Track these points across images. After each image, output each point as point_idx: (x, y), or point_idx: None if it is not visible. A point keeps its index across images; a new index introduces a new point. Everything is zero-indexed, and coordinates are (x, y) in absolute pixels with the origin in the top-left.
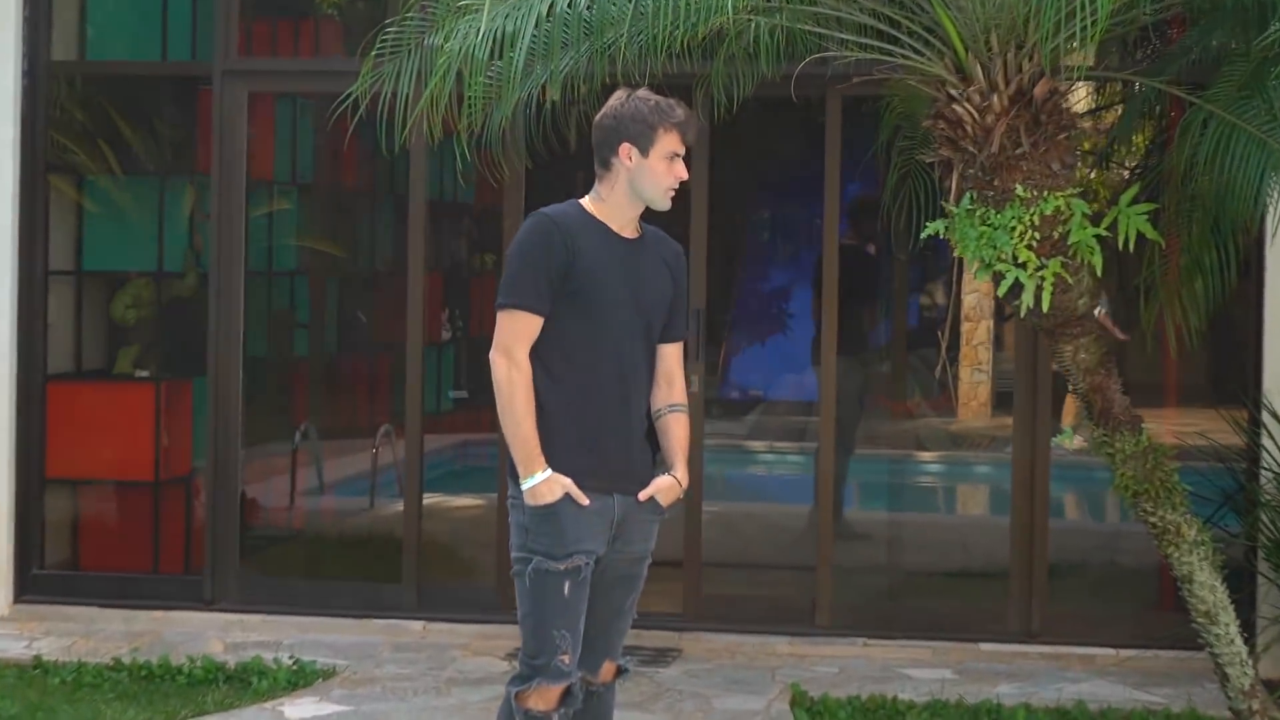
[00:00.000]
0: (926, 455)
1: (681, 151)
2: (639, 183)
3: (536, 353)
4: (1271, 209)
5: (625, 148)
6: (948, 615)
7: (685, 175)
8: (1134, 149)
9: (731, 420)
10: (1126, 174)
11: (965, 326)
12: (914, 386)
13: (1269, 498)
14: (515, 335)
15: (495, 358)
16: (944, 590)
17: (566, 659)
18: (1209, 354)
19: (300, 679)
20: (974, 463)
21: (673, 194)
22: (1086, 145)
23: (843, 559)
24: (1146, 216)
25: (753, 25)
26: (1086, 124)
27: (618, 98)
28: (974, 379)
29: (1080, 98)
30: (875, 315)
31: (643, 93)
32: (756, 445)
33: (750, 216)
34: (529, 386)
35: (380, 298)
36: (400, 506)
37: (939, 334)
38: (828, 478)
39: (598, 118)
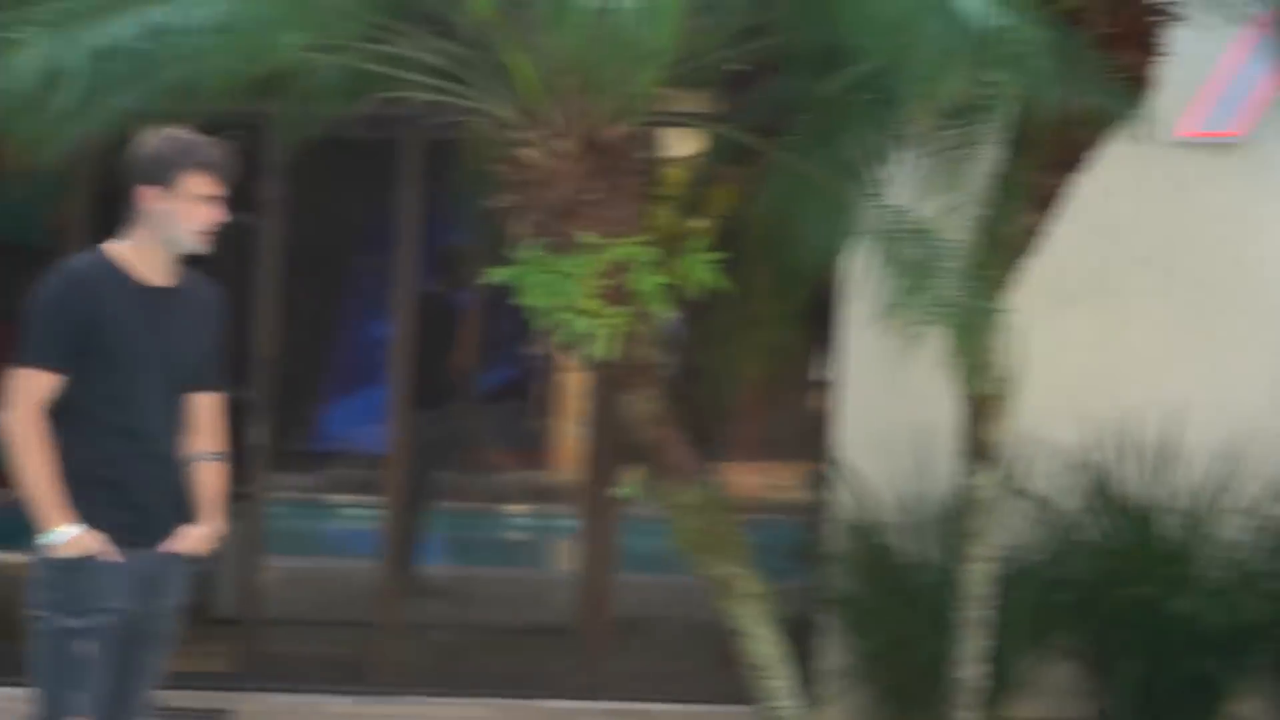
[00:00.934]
0: (511, 508)
1: (212, 193)
2: (164, 226)
3: (62, 409)
4: (847, 261)
5: (149, 190)
6: (511, 672)
7: (219, 218)
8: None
9: (304, 473)
10: (713, 221)
11: (562, 376)
12: (503, 438)
13: (837, 551)
14: (23, 391)
15: (2, 415)
16: (510, 647)
17: None
18: (778, 408)
19: None
20: (557, 515)
21: (207, 237)
22: (674, 191)
23: (411, 615)
24: (714, 265)
25: (317, 64)
26: (673, 171)
27: (144, 137)
28: (570, 430)
29: (676, 143)
30: (463, 364)
31: (175, 131)
32: (331, 499)
33: (329, 260)
34: (41, 441)
35: None
36: None
37: (533, 385)
38: (395, 532)
39: (125, 157)
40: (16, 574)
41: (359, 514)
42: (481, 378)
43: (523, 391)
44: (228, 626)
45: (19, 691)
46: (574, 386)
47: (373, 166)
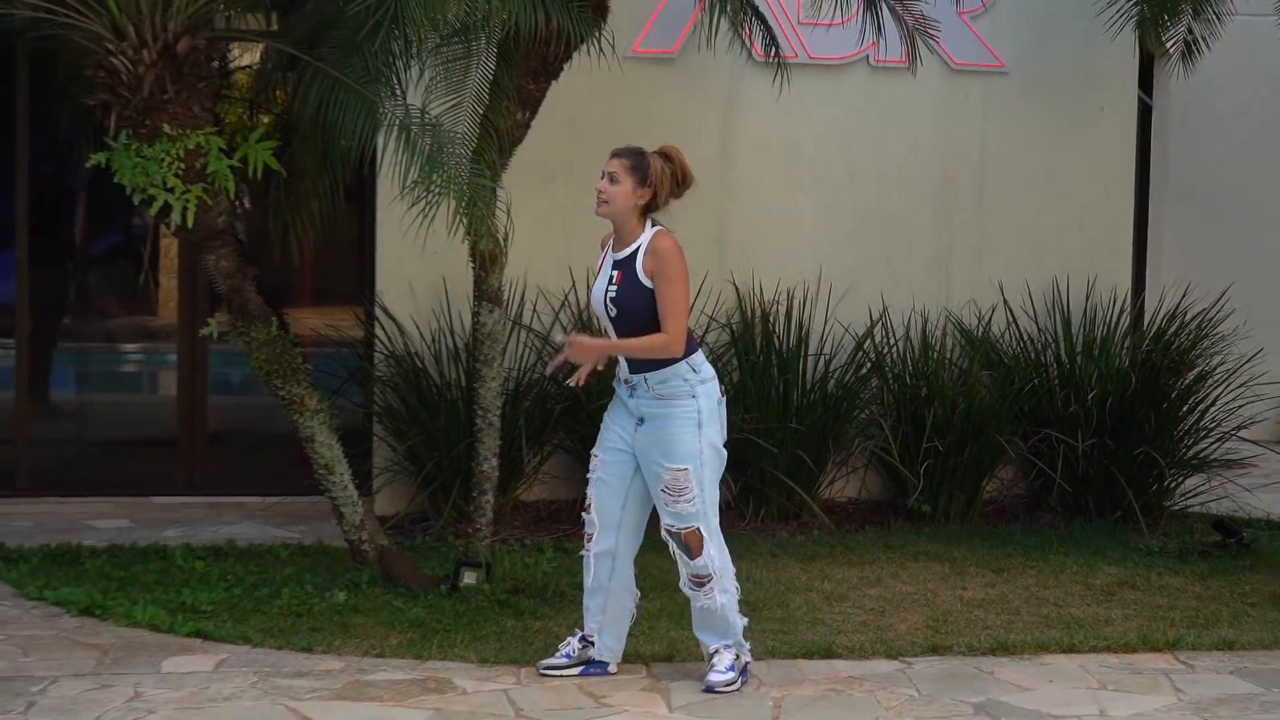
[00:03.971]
0: (128, 347)
1: None
2: None
3: None
4: (381, 144)
5: None
6: (127, 476)
7: None
8: (274, 96)
9: None
10: (269, 119)
11: (164, 241)
12: (121, 291)
13: (381, 374)
14: None
15: None
16: (126, 456)
17: None
18: (340, 261)
19: None
20: (163, 352)
21: None
22: (241, 92)
23: (44, 433)
24: (272, 151)
25: None
26: (245, 77)
27: None
28: (172, 284)
29: (246, 53)
30: (81, 232)
31: None
32: None
33: None
34: None
35: None
36: None
37: (142, 247)
38: (25, 365)
39: None
40: None
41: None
42: (96, 242)
43: (132, 253)
44: None
45: None
46: (172, 248)
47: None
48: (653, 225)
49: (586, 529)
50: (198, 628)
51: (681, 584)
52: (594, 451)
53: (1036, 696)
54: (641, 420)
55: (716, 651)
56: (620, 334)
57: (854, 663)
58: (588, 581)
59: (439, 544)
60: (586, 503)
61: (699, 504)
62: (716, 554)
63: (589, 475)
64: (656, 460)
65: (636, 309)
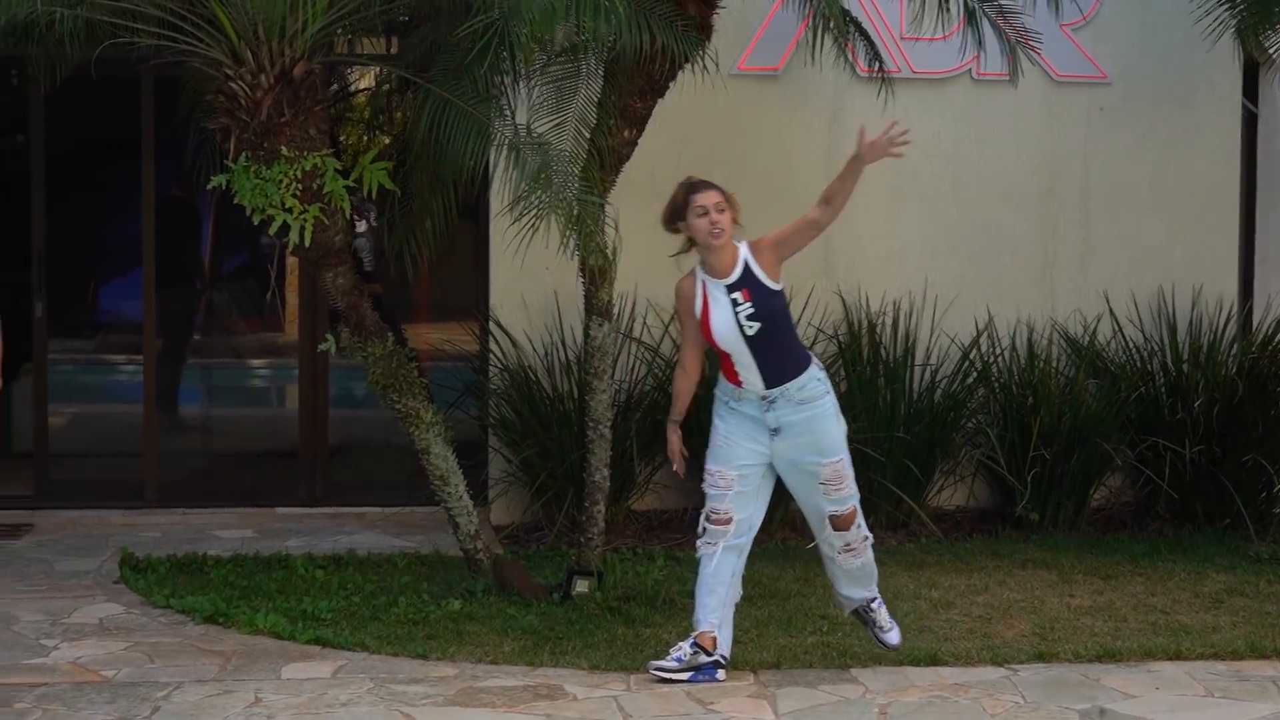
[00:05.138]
0: (254, 362)
1: None
2: None
3: None
4: (492, 163)
5: None
6: (251, 487)
7: None
8: (391, 119)
9: (84, 338)
10: (387, 140)
11: (292, 259)
12: (249, 309)
13: (495, 387)
14: None
15: None
16: (250, 467)
17: None
18: (453, 278)
19: None
20: (286, 367)
21: None
22: (359, 114)
23: (172, 447)
24: (386, 171)
25: (61, 17)
26: (358, 99)
27: None
28: (297, 301)
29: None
30: (207, 252)
31: None
32: (103, 358)
33: (90, 172)
34: None
35: None
36: None
37: (269, 266)
38: (152, 381)
39: None
40: None
41: (127, 370)
42: (222, 261)
43: (258, 271)
44: (24, 459)
45: None
46: (295, 267)
47: (119, 97)
48: (737, 241)
49: (708, 536)
50: (317, 635)
51: (832, 558)
52: (714, 468)
53: (1143, 703)
54: (777, 430)
55: (876, 601)
56: (764, 349)
57: (960, 669)
58: (708, 574)
59: (552, 553)
60: (716, 513)
61: (852, 484)
62: (861, 518)
63: (710, 489)
64: (811, 460)
65: (776, 310)
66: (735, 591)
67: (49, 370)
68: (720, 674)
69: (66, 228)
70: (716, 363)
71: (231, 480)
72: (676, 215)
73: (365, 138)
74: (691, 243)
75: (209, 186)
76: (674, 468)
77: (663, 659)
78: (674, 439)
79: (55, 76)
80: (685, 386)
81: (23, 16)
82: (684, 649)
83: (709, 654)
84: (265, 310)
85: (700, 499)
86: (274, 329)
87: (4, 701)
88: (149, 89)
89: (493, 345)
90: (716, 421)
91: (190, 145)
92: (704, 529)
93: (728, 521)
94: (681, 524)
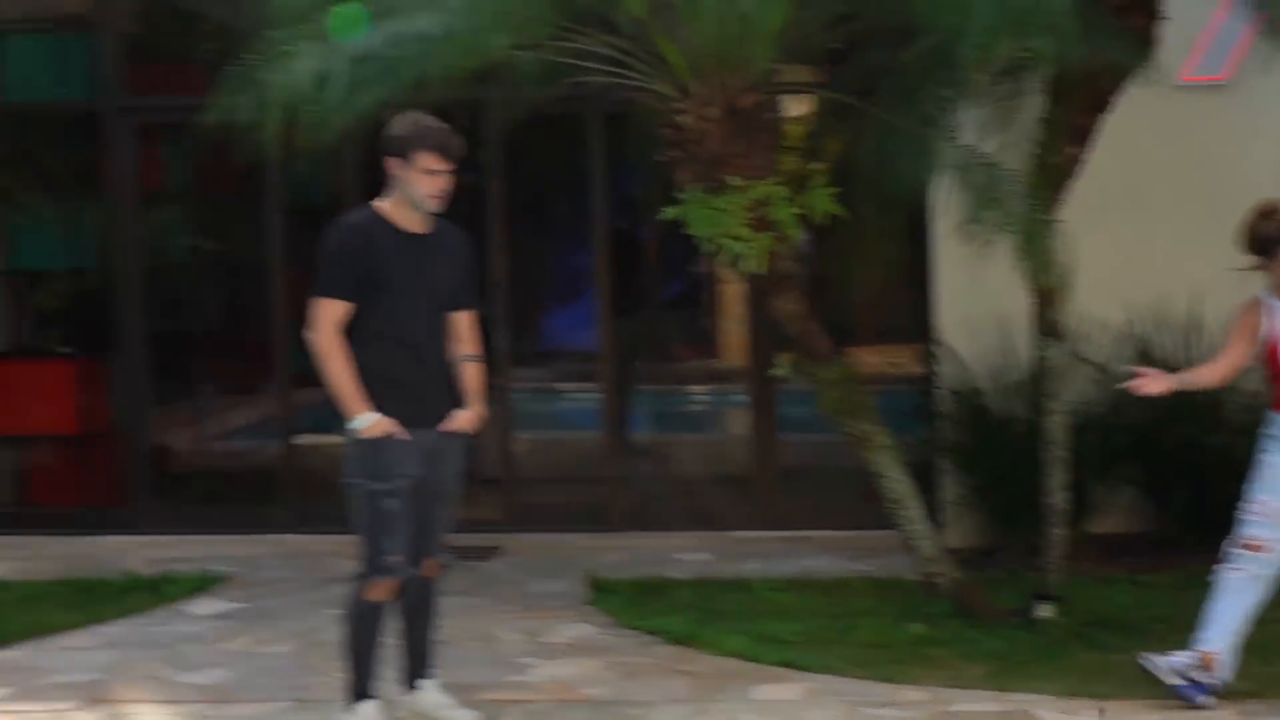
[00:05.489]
0: (697, 388)
1: (438, 167)
2: (405, 189)
3: (355, 328)
4: (934, 189)
5: (393, 161)
6: (708, 511)
7: (444, 186)
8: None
9: (540, 367)
10: (827, 165)
11: (724, 287)
12: (686, 336)
13: (945, 410)
14: (322, 317)
15: (311, 335)
16: (705, 493)
17: (396, 559)
18: (898, 301)
19: (204, 583)
20: (731, 392)
21: (437, 200)
22: (796, 141)
23: (629, 471)
24: (833, 197)
25: (520, 59)
26: (795, 127)
27: (397, 119)
28: (732, 328)
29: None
30: (650, 282)
31: (417, 116)
32: (556, 386)
33: (543, 207)
34: (339, 352)
35: (255, 283)
36: (281, 447)
37: (703, 294)
38: (612, 409)
39: (381, 136)
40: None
41: (582, 397)
42: (665, 290)
43: (695, 299)
44: (493, 485)
45: (333, 539)
46: (733, 294)
47: (568, 134)
48: None
49: (1239, 562)
50: (785, 658)
51: None
52: (1264, 498)
53: None
54: None
55: None
56: None
57: None
58: (1229, 599)
59: (1008, 577)
60: (1254, 540)
61: None
62: None
63: (1254, 516)
64: None
65: None
66: (1248, 623)
67: (512, 398)
68: (1208, 699)
69: (521, 261)
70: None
71: (688, 504)
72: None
73: (803, 164)
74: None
75: (663, 218)
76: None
77: (1158, 655)
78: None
79: (510, 117)
80: (1206, 375)
81: (487, 61)
82: (1184, 657)
83: (1207, 673)
84: (704, 337)
85: (1164, 522)
86: (712, 355)
87: (493, 716)
88: (597, 125)
89: (940, 366)
90: (1269, 456)
91: (637, 178)
92: (1233, 554)
93: (1259, 549)
94: (1143, 547)
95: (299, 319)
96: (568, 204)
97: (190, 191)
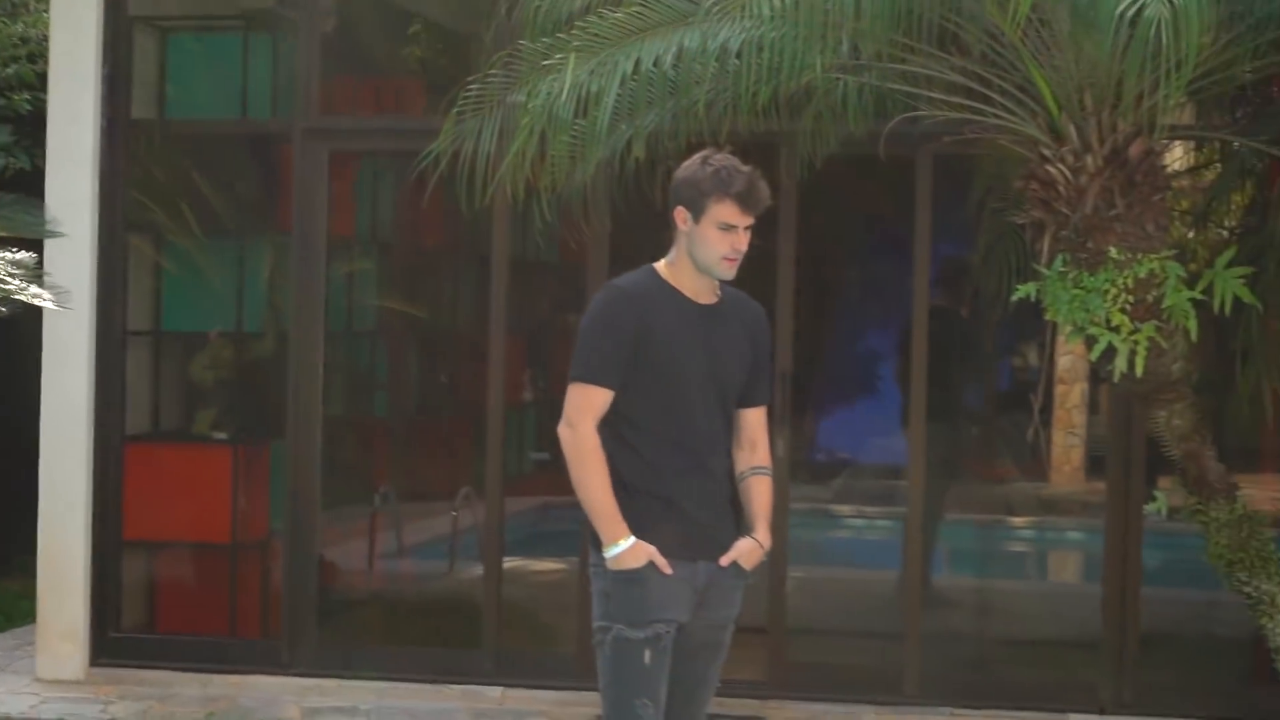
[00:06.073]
0: (1017, 521)
1: (738, 223)
2: (694, 249)
3: (613, 423)
4: None
5: (680, 211)
6: (1037, 685)
7: (741, 248)
8: (1232, 209)
9: (817, 484)
10: (1225, 234)
11: (1059, 389)
12: (1005, 451)
13: None
14: (581, 407)
15: (561, 429)
16: (1033, 659)
17: None
18: None
19: None
20: (1065, 529)
21: (731, 264)
22: (1184, 204)
23: (930, 626)
24: (1244, 280)
25: (841, 84)
26: (1183, 183)
27: (690, 160)
28: (1067, 443)
29: (1176, 156)
30: (965, 378)
31: (717, 157)
32: (843, 509)
33: (838, 277)
34: (598, 455)
35: (461, 358)
36: (479, 570)
37: (1032, 397)
38: (916, 544)
39: (672, 178)
40: (547, 579)
41: (874, 525)
42: (983, 391)
43: (1026, 404)
44: (756, 634)
45: (544, 694)
46: (1070, 397)
47: (884, 182)
48: None
49: None
50: None
51: None
52: None
53: None
54: None
55: None
56: None
57: None
58: None
59: None
60: None
61: None
62: None
63: None
64: None
65: None
66: None
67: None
68: None
69: (811, 345)
70: None
71: (1010, 675)
72: None
73: (1192, 233)
74: None
75: (1014, 298)
76: None
77: None
78: None
79: (814, 160)
80: None
81: (799, 84)
82: None
83: None
84: (1043, 454)
85: None
86: (1035, 476)
87: None
88: (925, 174)
89: None
90: None
91: (970, 241)
92: None
93: None
94: None
95: (517, 404)
96: (876, 272)
97: (391, 239)
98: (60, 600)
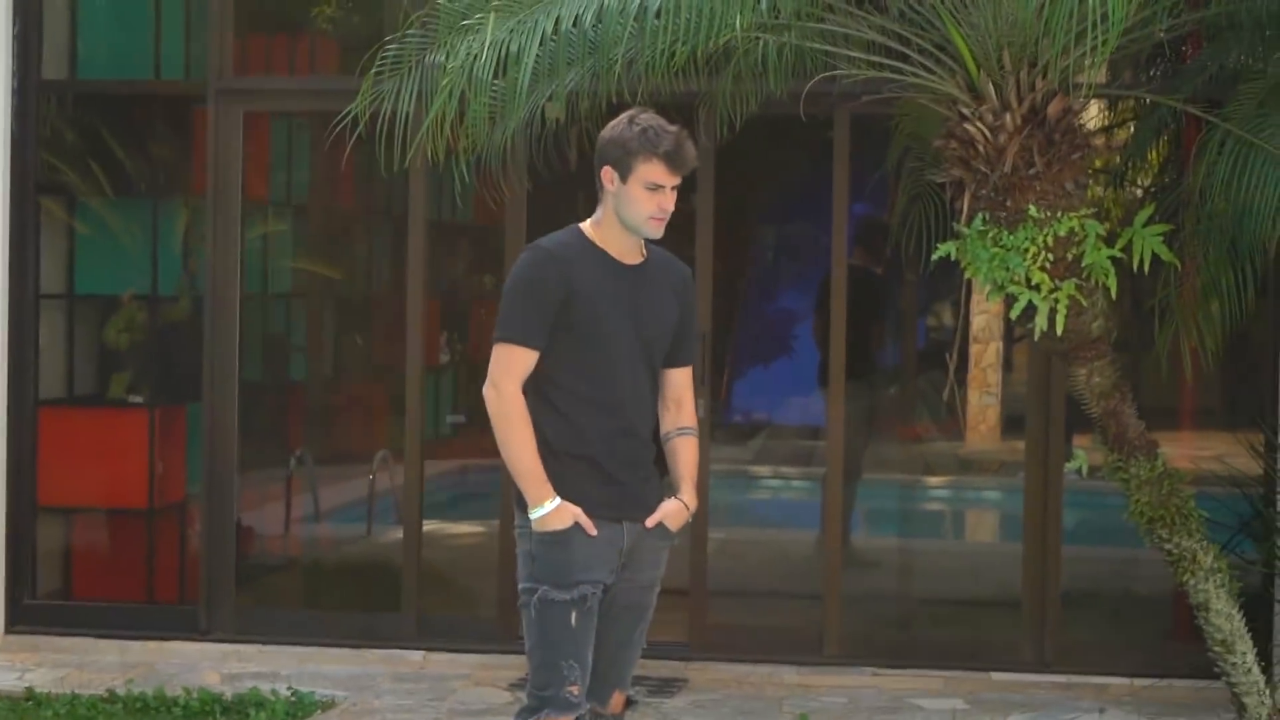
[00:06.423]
0: (934, 480)
1: (666, 183)
2: (621, 209)
3: (538, 384)
4: None
5: (607, 171)
6: (958, 644)
7: (669, 207)
8: (1147, 167)
9: (736, 445)
10: (1140, 193)
11: (974, 349)
12: (921, 410)
13: None
14: (507, 369)
15: (487, 390)
16: (954, 619)
17: (575, 690)
18: (1224, 377)
19: (299, 711)
20: (983, 488)
21: (658, 223)
22: (1099, 163)
23: (851, 587)
24: (1161, 238)
25: (760, 43)
26: (1098, 142)
27: (617, 120)
28: (983, 402)
29: (1092, 115)
30: (882, 338)
31: (644, 117)
32: (761, 470)
33: (754, 237)
34: (524, 417)
35: (378, 320)
36: (398, 534)
37: (947, 356)
38: (836, 504)
39: (599, 137)
40: (467, 542)
41: (792, 486)
42: (897, 351)
43: (941, 364)
44: (677, 596)
45: (466, 658)
46: (984, 356)
47: (801, 142)
48: None
49: None
50: None
51: None
52: None
53: None
54: None
55: None
56: None
57: None
58: None
59: None
60: None
61: None
62: None
63: None
64: None
65: None
66: None
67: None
68: None
69: (730, 305)
70: None
71: (931, 634)
72: None
73: (1110, 192)
74: None
75: (934, 257)
76: None
77: None
78: None
79: (734, 120)
80: None
81: (719, 44)
82: None
83: None
84: (960, 413)
85: None
86: (971, 437)
87: None
88: (843, 133)
89: None
90: None
91: (895, 203)
92: None
93: None
94: None
95: (436, 367)
96: (795, 233)
97: (306, 201)
98: None
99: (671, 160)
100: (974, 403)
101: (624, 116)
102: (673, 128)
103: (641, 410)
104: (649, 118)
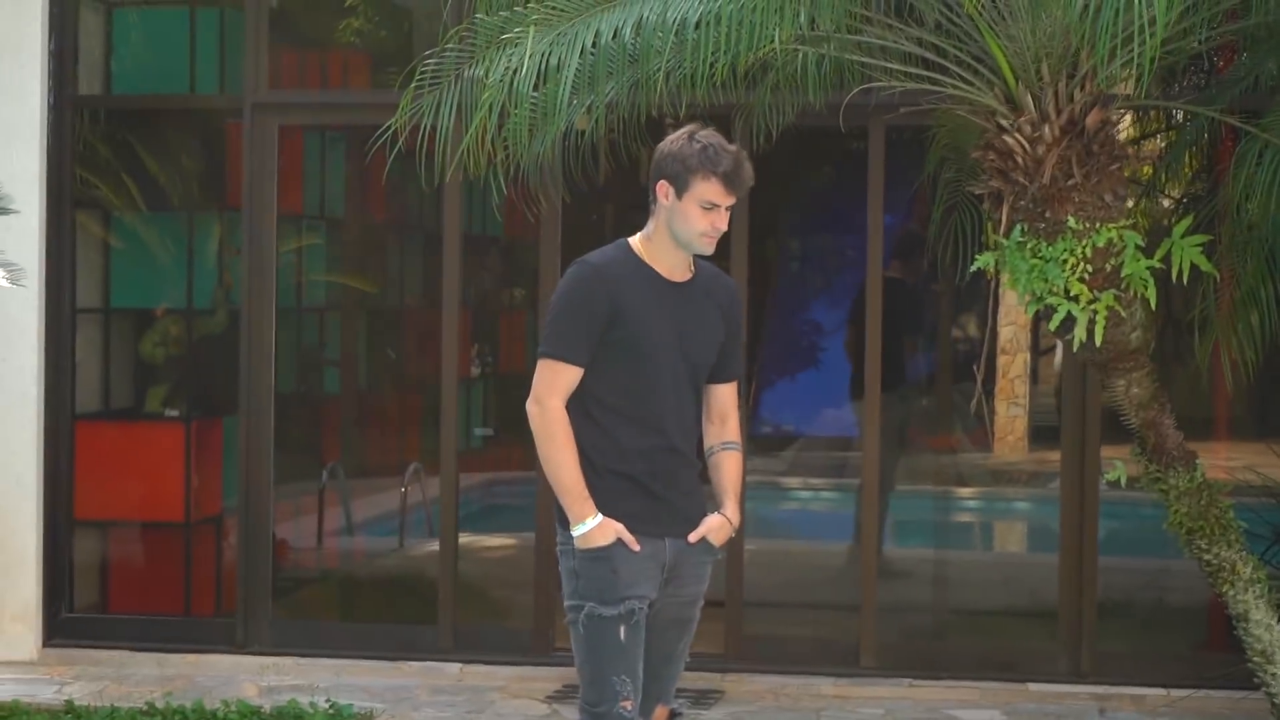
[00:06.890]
0: (964, 491)
1: (721, 202)
2: (674, 224)
3: (581, 400)
4: None
5: (663, 185)
6: (994, 655)
7: (722, 226)
8: (1181, 178)
9: (768, 457)
10: (1171, 204)
11: (1001, 360)
12: (951, 421)
13: None
14: (550, 385)
15: (530, 406)
16: (990, 629)
17: (628, 705)
18: (1259, 386)
19: None
20: (1014, 499)
21: (710, 240)
22: (1127, 172)
23: (886, 597)
24: (1200, 248)
25: (799, 55)
26: (1130, 152)
27: (676, 134)
28: (1010, 413)
29: (1123, 126)
30: (914, 349)
31: (704, 134)
32: (794, 482)
33: (788, 247)
34: (567, 433)
35: (411, 333)
36: (431, 546)
37: (975, 368)
38: (872, 515)
39: (655, 151)
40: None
41: (825, 497)
42: (931, 362)
43: (970, 375)
44: (713, 608)
45: (503, 670)
46: (1011, 369)
47: (837, 154)
48: None
49: None
50: None
51: None
52: None
53: None
54: None
55: None
56: None
57: None
58: None
59: None
60: None
61: None
62: None
63: None
64: None
65: None
66: None
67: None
68: None
69: (762, 316)
70: None
71: (967, 645)
72: None
73: (1143, 203)
74: None
75: (971, 268)
76: None
77: None
78: None
79: (770, 131)
80: None
81: (758, 56)
82: None
83: None
84: (998, 424)
85: None
86: (982, 446)
87: None
88: (879, 145)
89: None
90: None
91: (933, 215)
92: None
93: None
94: None
95: (466, 379)
96: (823, 243)
97: (340, 214)
98: (12, 581)
99: (729, 180)
100: (1002, 414)
101: (684, 132)
102: (732, 147)
103: (684, 427)
104: (709, 135)
